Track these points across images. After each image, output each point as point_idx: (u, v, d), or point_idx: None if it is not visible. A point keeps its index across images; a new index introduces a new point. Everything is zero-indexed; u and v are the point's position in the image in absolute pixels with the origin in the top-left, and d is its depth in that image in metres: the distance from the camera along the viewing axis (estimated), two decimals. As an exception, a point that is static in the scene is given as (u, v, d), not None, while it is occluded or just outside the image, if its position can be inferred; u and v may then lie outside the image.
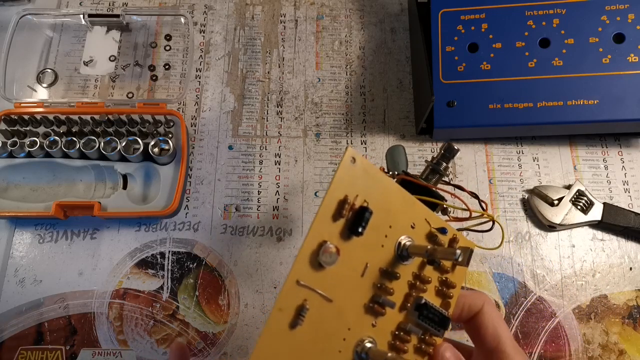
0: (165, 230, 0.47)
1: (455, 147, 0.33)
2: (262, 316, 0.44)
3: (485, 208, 0.32)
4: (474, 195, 0.34)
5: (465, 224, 0.33)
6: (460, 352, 0.28)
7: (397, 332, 0.26)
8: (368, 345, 0.25)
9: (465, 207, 0.31)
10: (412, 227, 0.27)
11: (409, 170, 0.34)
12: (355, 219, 0.24)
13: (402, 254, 0.26)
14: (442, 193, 0.32)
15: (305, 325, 0.23)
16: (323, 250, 0.23)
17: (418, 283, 0.27)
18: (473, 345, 0.31)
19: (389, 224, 0.26)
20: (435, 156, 0.34)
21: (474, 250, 0.27)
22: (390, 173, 0.32)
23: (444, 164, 0.33)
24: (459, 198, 0.32)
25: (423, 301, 0.27)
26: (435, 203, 0.30)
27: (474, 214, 0.31)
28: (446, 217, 0.32)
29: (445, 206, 0.31)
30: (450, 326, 0.28)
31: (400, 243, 0.26)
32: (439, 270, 0.28)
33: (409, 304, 0.27)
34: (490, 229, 0.33)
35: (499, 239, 0.46)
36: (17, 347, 0.43)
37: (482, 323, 0.29)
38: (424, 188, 0.31)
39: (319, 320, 0.23)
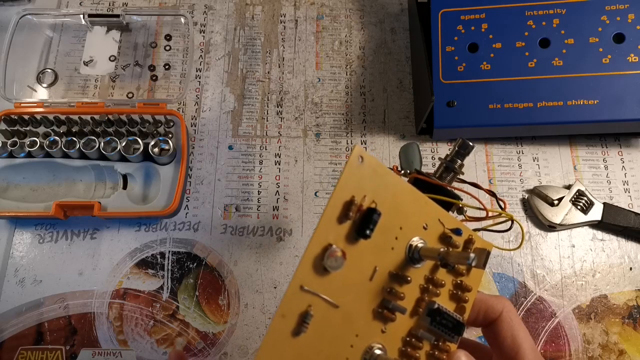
0: (165, 230, 0.47)
1: (471, 144, 0.31)
2: (262, 316, 0.44)
3: (503, 207, 0.31)
4: (491, 194, 0.33)
5: (482, 224, 0.32)
6: (481, 354, 0.27)
7: (408, 339, 0.25)
8: (377, 352, 0.24)
9: (482, 207, 0.29)
10: (425, 228, 0.26)
11: (421, 169, 0.33)
12: (362, 221, 0.23)
13: (413, 256, 0.25)
14: (456, 192, 0.31)
15: (309, 332, 0.22)
16: (328, 254, 0.22)
17: (430, 287, 0.26)
18: None
19: (399, 226, 0.25)
20: (449, 153, 0.32)
21: (490, 252, 0.26)
22: (403, 172, 0.31)
23: (459, 161, 0.31)
24: (475, 197, 0.30)
25: (436, 306, 0.25)
26: (450, 203, 0.29)
27: (491, 214, 0.30)
28: (462, 217, 0.31)
29: (460, 205, 0.30)
30: (464, 332, 0.27)
31: (411, 245, 0.25)
32: (453, 272, 0.27)
33: (420, 309, 0.26)
34: (509, 229, 0.31)
35: (497, 239, 0.46)
36: (17, 347, 0.43)
37: (501, 331, 0.27)
38: (438, 187, 0.30)
39: (324, 327, 0.22)
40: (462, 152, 0.31)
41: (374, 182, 0.23)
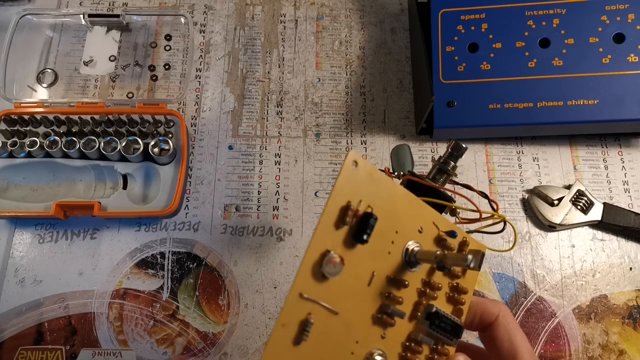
0: (165, 230, 0.47)
1: (464, 145, 0.31)
2: (262, 316, 0.44)
3: (495, 208, 0.31)
4: (484, 195, 0.33)
5: (474, 226, 0.32)
6: (480, 357, 0.27)
7: (407, 343, 0.25)
8: (378, 358, 0.24)
9: (475, 209, 0.29)
10: (420, 232, 0.26)
11: (414, 171, 0.33)
12: (359, 226, 0.23)
13: (410, 260, 0.25)
14: (449, 194, 0.31)
15: (310, 340, 0.22)
16: (327, 260, 0.22)
17: (428, 290, 0.26)
18: None
19: (395, 229, 0.25)
20: (442, 155, 0.32)
21: (485, 253, 0.26)
22: (396, 174, 0.31)
23: (452, 163, 0.31)
24: (467, 199, 0.30)
25: (434, 309, 0.25)
26: (442, 205, 0.29)
27: (484, 215, 0.30)
28: (455, 219, 0.31)
29: (453, 207, 0.30)
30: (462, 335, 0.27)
31: (407, 249, 0.25)
32: (449, 275, 0.27)
33: (419, 313, 0.26)
34: (502, 230, 0.31)
35: (497, 239, 0.46)
36: (17, 347, 0.43)
37: (497, 335, 0.27)
38: (431, 189, 0.30)
39: (324, 335, 0.22)
40: (455, 153, 0.31)
41: (369, 186, 0.23)
